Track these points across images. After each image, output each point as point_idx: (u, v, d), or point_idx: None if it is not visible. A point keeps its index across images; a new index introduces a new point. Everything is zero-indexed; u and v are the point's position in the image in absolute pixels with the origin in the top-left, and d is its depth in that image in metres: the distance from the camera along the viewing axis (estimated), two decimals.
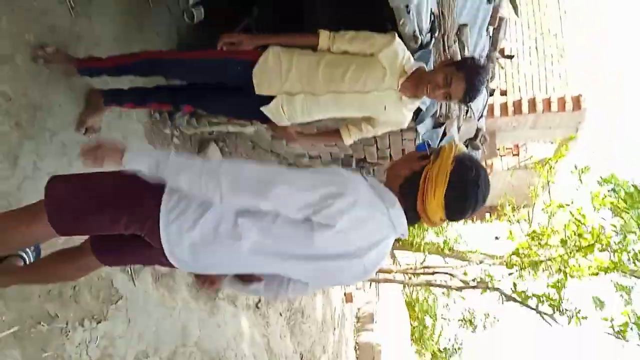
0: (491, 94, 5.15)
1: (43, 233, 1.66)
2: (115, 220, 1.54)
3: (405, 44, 2.41)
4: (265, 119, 2.51)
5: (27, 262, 2.18)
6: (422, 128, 3.53)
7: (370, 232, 1.44)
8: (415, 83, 2.30)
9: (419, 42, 2.64)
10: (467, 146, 4.76)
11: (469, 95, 2.24)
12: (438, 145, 3.88)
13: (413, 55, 2.46)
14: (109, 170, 1.60)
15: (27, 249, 2.19)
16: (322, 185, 1.36)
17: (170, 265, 1.60)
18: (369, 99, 2.33)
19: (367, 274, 1.52)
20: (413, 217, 1.49)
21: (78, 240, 2.02)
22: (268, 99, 2.39)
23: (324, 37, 2.30)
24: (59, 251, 2.25)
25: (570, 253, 7.03)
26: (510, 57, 5.73)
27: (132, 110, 2.99)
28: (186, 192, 1.45)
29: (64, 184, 1.63)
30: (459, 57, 3.11)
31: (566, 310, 7.15)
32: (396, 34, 2.30)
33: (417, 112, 3.35)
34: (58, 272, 1.98)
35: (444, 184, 1.41)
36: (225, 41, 2.30)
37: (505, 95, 7.86)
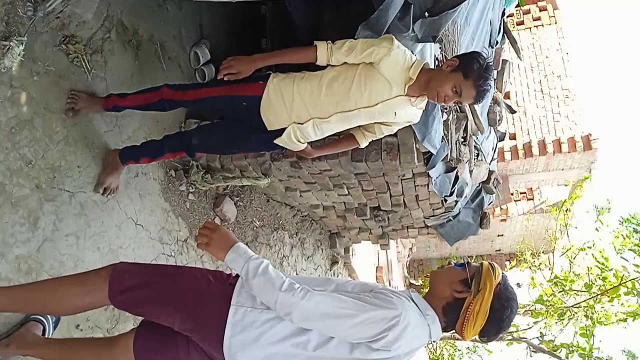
0: (501, 138, 5.17)
1: (96, 302, 1.80)
2: (172, 316, 1.70)
3: None
4: (282, 148, 2.52)
5: (46, 330, 2.17)
6: (434, 173, 3.54)
7: (413, 344, 1.61)
8: (422, 86, 2.24)
9: None
10: (480, 190, 4.74)
11: (479, 99, 2.20)
12: (450, 191, 3.87)
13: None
14: (180, 266, 1.74)
15: (48, 315, 2.18)
16: (379, 320, 1.54)
17: None
18: (377, 109, 2.30)
19: None
20: (448, 331, 1.74)
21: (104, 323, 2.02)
22: (281, 131, 2.40)
23: (322, 51, 2.25)
24: (86, 339, 2.27)
25: (596, 298, 6.83)
26: (513, 111, 5.78)
27: (148, 164, 3.04)
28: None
29: (134, 268, 1.81)
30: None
31: (598, 358, 6.87)
32: (393, 37, 2.24)
33: (429, 157, 3.38)
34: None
35: (484, 321, 1.66)
36: (224, 72, 2.29)
37: (515, 139, 7.89)
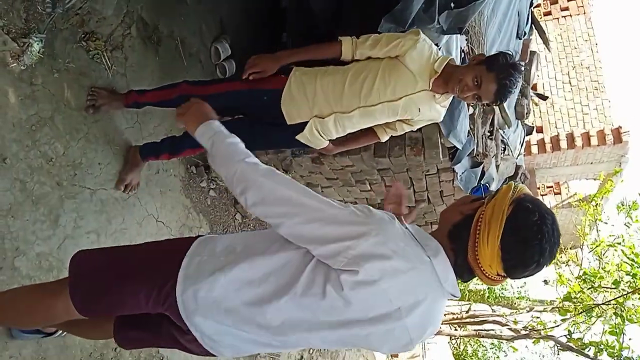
0: (529, 132, 5.05)
1: (66, 311, 1.57)
2: (134, 292, 1.42)
3: None
4: (303, 145, 2.47)
5: None
6: (459, 168, 3.46)
7: (409, 285, 1.21)
8: (445, 80, 2.18)
9: None
10: None
11: (500, 97, 2.10)
12: (477, 184, 3.79)
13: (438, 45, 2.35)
14: (133, 244, 1.65)
15: None
16: (348, 223, 1.21)
17: (203, 353, 1.47)
18: (401, 104, 2.24)
19: (413, 342, 1.29)
20: (464, 271, 1.26)
21: None
22: (302, 126, 2.35)
23: (347, 46, 2.22)
24: None
25: (626, 295, 6.64)
26: (544, 97, 5.62)
27: (169, 161, 3.03)
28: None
29: (85, 262, 1.58)
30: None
31: (627, 358, 6.69)
32: (420, 31, 2.19)
33: (454, 152, 3.30)
34: (89, 332, 1.99)
35: (499, 228, 1.19)
36: (249, 71, 2.27)
37: (542, 132, 7.72)
